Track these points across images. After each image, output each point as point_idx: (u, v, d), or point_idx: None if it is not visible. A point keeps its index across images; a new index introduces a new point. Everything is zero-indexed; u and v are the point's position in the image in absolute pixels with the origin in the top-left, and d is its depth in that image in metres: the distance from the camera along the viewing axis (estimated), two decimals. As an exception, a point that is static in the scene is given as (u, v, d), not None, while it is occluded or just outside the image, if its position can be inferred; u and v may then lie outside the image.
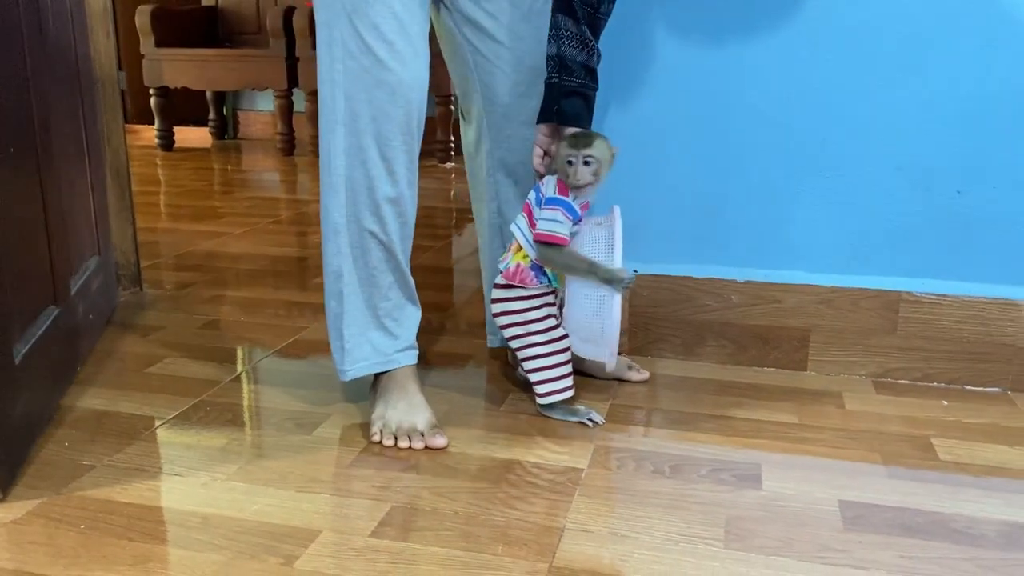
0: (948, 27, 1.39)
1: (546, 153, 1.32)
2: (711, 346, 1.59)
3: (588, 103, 1.30)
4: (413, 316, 1.35)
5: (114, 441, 1.25)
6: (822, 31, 1.43)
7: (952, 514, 1.09)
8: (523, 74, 1.34)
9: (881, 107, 1.44)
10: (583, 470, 1.18)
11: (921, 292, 1.48)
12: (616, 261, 1.27)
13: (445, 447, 1.24)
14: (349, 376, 1.31)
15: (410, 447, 1.24)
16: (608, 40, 1.46)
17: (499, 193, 1.44)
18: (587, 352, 1.37)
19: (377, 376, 1.33)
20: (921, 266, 1.49)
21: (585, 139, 1.26)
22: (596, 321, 1.30)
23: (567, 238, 1.28)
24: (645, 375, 1.51)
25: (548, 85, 1.28)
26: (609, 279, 1.27)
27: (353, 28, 1.18)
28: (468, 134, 1.45)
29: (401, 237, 1.29)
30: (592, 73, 1.29)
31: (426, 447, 1.24)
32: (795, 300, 1.53)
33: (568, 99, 1.28)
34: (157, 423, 1.31)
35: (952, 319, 1.48)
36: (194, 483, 1.13)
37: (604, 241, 1.30)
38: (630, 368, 1.50)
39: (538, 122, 1.30)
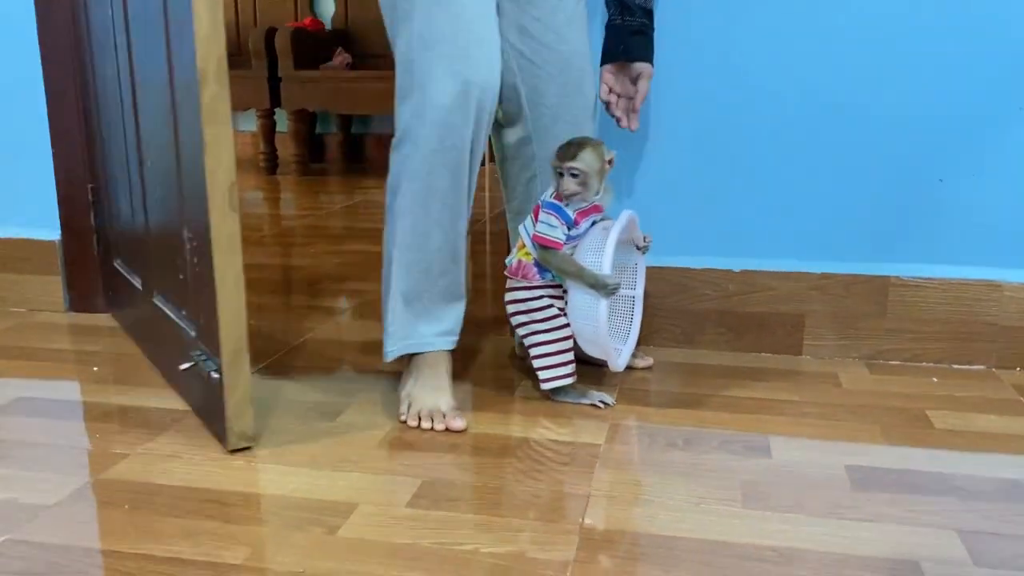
0: (930, 20, 1.48)
1: (611, 90, 1.43)
2: (710, 334, 1.65)
3: (650, 41, 1.41)
4: (459, 305, 1.40)
5: (144, 431, 1.29)
6: (813, 26, 1.51)
7: (952, 474, 1.15)
8: (570, 75, 1.41)
9: (867, 98, 1.52)
10: (600, 445, 1.24)
11: (908, 276, 1.56)
12: (604, 267, 1.33)
13: (464, 430, 1.29)
14: (389, 356, 1.37)
15: (432, 428, 1.29)
16: (596, 36, 1.53)
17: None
18: (593, 352, 1.42)
19: (412, 355, 1.38)
20: (908, 251, 1.56)
21: (572, 150, 1.32)
22: (589, 324, 1.36)
23: (560, 242, 1.35)
24: (649, 361, 1.57)
25: (611, 26, 1.40)
26: (593, 284, 1.33)
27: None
28: (508, 136, 1.48)
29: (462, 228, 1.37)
30: (650, 14, 1.40)
31: (446, 428, 1.29)
32: (789, 287, 1.60)
33: (633, 38, 1.38)
34: (183, 415, 1.35)
35: (939, 301, 1.56)
36: (229, 466, 1.17)
37: (598, 246, 1.37)
38: (634, 355, 1.56)
39: (603, 63, 1.42)
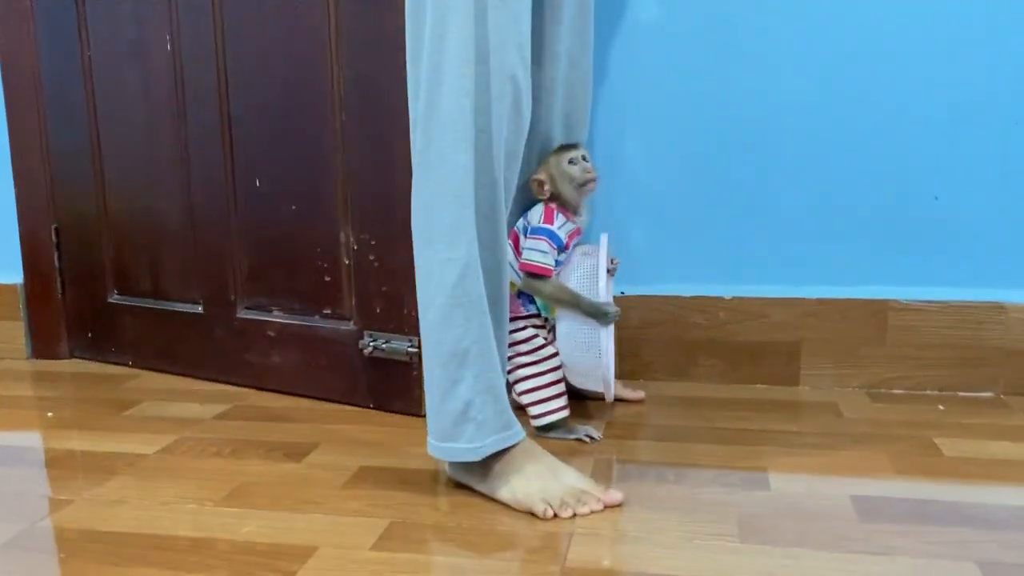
0: (921, 37, 1.43)
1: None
2: (702, 365, 1.57)
3: None
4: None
5: (94, 476, 1.19)
6: (800, 49, 1.46)
7: (966, 503, 1.06)
8: (575, 104, 1.37)
9: (858, 117, 1.46)
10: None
11: (907, 299, 1.48)
12: (600, 294, 1.27)
13: (623, 499, 1.08)
14: (482, 453, 1.08)
15: (591, 511, 1.05)
16: (597, 65, 1.48)
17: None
18: (584, 384, 1.35)
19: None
20: (906, 273, 1.49)
21: (572, 142, 1.33)
22: (587, 355, 1.28)
23: (551, 268, 1.28)
24: (641, 394, 1.48)
25: None
26: (593, 313, 1.26)
27: None
28: None
29: None
30: None
31: (605, 506, 1.06)
32: (783, 314, 1.53)
33: None
34: (138, 458, 1.25)
35: (941, 325, 1.48)
36: (181, 511, 1.08)
37: (590, 272, 1.30)
38: (625, 386, 1.48)
39: None
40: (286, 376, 1.56)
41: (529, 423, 1.30)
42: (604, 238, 1.32)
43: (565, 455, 1.22)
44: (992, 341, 1.46)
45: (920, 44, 1.43)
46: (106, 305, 1.78)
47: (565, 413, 1.31)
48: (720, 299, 1.55)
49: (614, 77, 1.53)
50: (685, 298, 1.56)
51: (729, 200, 1.52)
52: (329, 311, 1.51)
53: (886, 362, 1.50)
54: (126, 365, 1.78)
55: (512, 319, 1.31)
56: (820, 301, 1.51)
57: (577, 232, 1.33)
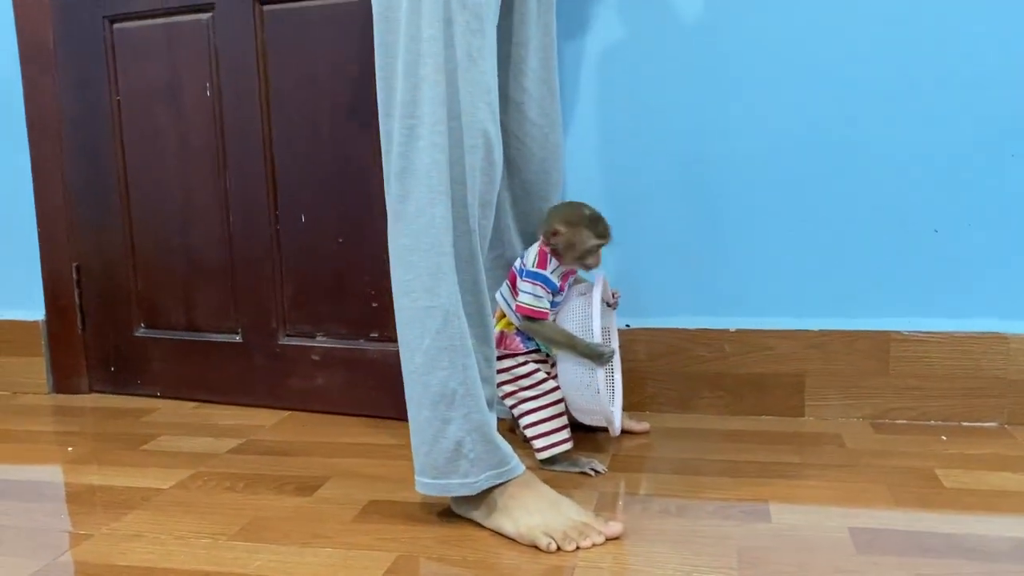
0: (920, 70, 1.46)
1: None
2: (707, 397, 1.59)
3: None
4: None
5: (112, 511, 1.23)
6: (800, 84, 1.50)
7: (964, 534, 1.08)
8: (548, 150, 1.40)
9: (858, 153, 1.49)
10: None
11: (909, 331, 1.50)
12: (596, 335, 1.29)
13: (622, 531, 1.10)
14: (479, 487, 1.11)
15: (593, 544, 1.07)
16: (597, 102, 1.53)
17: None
18: (587, 420, 1.37)
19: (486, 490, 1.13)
20: (908, 305, 1.51)
21: (606, 226, 1.32)
22: (587, 393, 1.31)
23: (546, 311, 1.32)
24: (646, 426, 1.50)
25: None
26: (588, 354, 1.29)
27: None
28: None
29: None
30: None
31: (607, 539, 1.08)
32: (787, 346, 1.55)
33: None
34: (155, 493, 1.29)
35: (943, 356, 1.50)
36: (195, 545, 1.11)
37: (584, 313, 1.33)
38: (630, 418, 1.50)
39: None
40: (331, 397, 1.67)
41: (533, 456, 1.33)
42: (599, 278, 1.35)
43: (570, 487, 1.25)
44: (994, 371, 1.48)
45: (920, 79, 1.46)
46: (132, 339, 1.84)
47: (568, 446, 1.34)
48: (725, 331, 1.57)
49: (618, 120, 1.57)
50: (690, 331, 1.58)
51: (732, 234, 1.55)
52: (376, 334, 1.63)
53: (890, 393, 1.52)
54: (154, 396, 1.84)
55: (513, 355, 1.34)
56: (823, 333, 1.53)
57: (571, 271, 1.36)
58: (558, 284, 1.33)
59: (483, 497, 1.12)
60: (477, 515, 1.13)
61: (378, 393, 1.61)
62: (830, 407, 1.54)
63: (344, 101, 1.59)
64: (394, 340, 1.51)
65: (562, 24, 1.51)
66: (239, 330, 1.75)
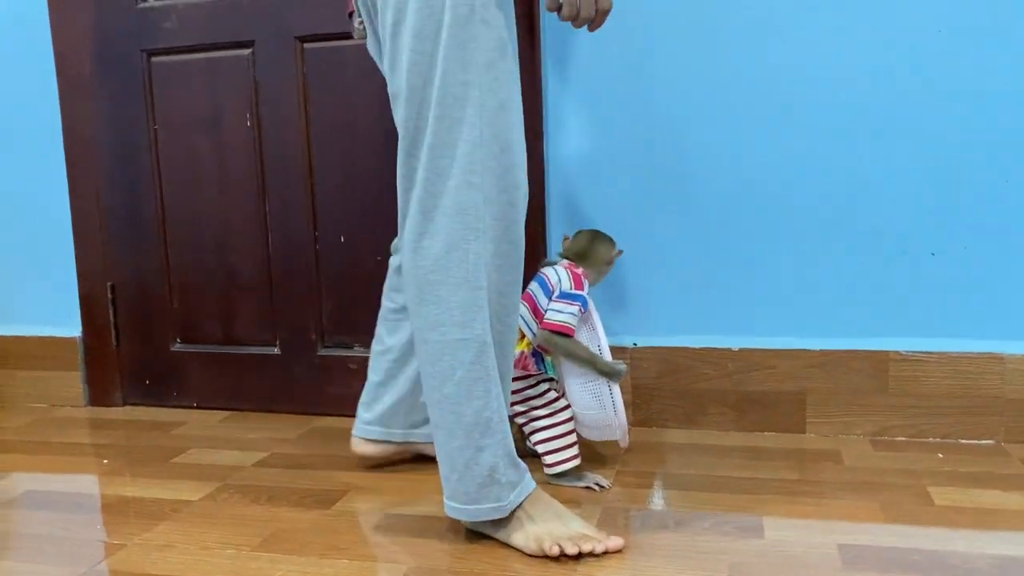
0: (916, 93, 1.51)
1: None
2: (712, 414, 1.65)
3: None
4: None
5: (144, 521, 1.31)
6: (800, 108, 1.55)
7: (948, 552, 1.13)
8: None
9: (857, 174, 1.54)
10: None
11: (908, 351, 1.55)
12: (605, 353, 1.39)
13: (623, 545, 1.17)
14: (508, 509, 1.17)
15: (592, 550, 1.14)
16: (603, 122, 1.59)
17: None
18: (595, 436, 1.44)
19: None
20: (906, 326, 1.56)
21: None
22: (596, 410, 1.38)
23: (575, 328, 1.39)
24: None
25: None
26: (607, 372, 1.38)
27: None
28: None
29: None
30: None
31: (606, 550, 1.15)
32: (788, 365, 1.60)
33: None
34: (184, 504, 1.37)
35: (941, 375, 1.54)
36: (220, 555, 1.19)
37: (590, 337, 1.41)
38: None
39: None
40: None
41: (540, 469, 1.40)
42: (590, 303, 1.43)
43: (576, 502, 1.31)
44: (991, 390, 1.52)
45: (918, 103, 1.51)
46: (168, 354, 1.94)
47: (577, 462, 1.40)
48: (729, 350, 1.63)
49: (623, 141, 1.63)
50: (695, 349, 1.64)
51: (735, 255, 1.61)
52: None
53: (889, 411, 1.57)
54: (190, 407, 1.94)
55: (526, 376, 1.41)
56: (824, 352, 1.59)
57: None
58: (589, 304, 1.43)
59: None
60: (489, 528, 1.20)
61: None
62: (831, 424, 1.59)
63: (381, 131, 1.73)
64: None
65: (557, 43, 1.57)
66: (277, 342, 1.87)
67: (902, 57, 1.50)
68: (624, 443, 1.43)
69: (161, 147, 1.88)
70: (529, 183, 1.61)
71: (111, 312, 1.95)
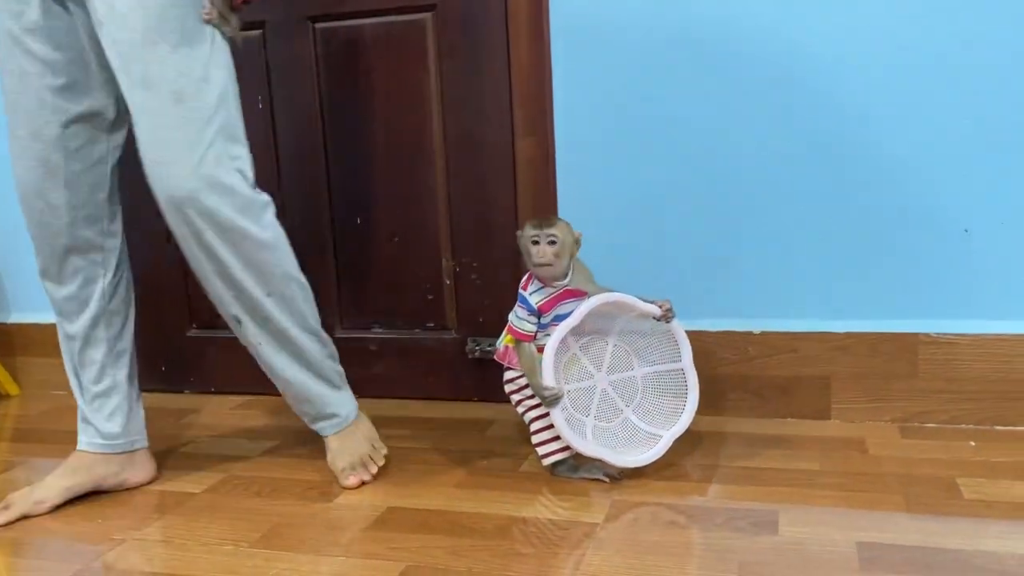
0: (949, 70, 1.42)
1: None
2: (733, 399, 1.58)
3: None
4: None
5: (145, 515, 1.29)
6: (818, 86, 1.47)
7: (975, 551, 1.06)
8: None
9: (885, 151, 1.46)
10: (598, 524, 1.19)
11: (939, 333, 1.47)
12: (546, 377, 1.28)
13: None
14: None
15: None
16: (617, 108, 1.52)
17: None
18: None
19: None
20: (937, 307, 1.48)
21: (547, 220, 1.29)
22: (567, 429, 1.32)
23: (530, 334, 1.32)
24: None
25: None
26: (535, 392, 1.32)
27: None
28: None
29: None
30: None
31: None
32: (812, 348, 1.53)
33: None
34: (187, 497, 1.35)
35: (973, 358, 1.46)
36: (218, 552, 1.16)
37: (599, 347, 1.38)
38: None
39: None
40: (387, 383, 1.81)
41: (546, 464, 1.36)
42: (590, 301, 1.31)
43: (587, 493, 1.27)
44: (1028, 374, 1.44)
45: (948, 78, 1.42)
46: (184, 339, 1.94)
47: (566, 454, 1.35)
48: (749, 333, 1.56)
49: (637, 124, 1.56)
50: (713, 333, 1.58)
51: (754, 235, 1.54)
52: (432, 324, 1.78)
53: (918, 396, 1.49)
54: (208, 393, 1.93)
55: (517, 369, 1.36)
56: (850, 335, 1.51)
57: (567, 294, 1.32)
58: (535, 306, 1.31)
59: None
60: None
61: (433, 378, 1.79)
62: (857, 410, 1.53)
63: (398, 110, 1.70)
64: (449, 328, 1.74)
65: (570, 37, 1.51)
66: (295, 326, 1.84)
67: (929, 26, 1.41)
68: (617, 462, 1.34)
69: (170, 131, 1.85)
70: (536, 175, 1.54)
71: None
